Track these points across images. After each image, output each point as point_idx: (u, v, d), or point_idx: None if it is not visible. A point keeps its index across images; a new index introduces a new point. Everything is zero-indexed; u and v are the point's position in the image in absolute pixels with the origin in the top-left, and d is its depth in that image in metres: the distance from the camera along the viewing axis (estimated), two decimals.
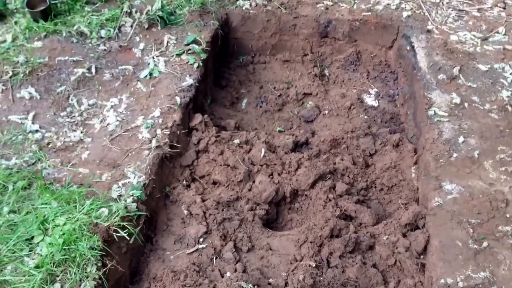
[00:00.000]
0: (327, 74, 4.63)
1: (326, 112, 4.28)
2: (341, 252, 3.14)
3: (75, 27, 4.03)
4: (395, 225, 3.28)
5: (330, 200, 3.42)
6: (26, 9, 4.08)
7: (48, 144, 3.36)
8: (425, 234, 3.12)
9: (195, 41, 4.04)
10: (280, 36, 4.61)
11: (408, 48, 4.29)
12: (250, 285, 2.84)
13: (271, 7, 4.54)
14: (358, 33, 4.57)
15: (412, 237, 3.18)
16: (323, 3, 4.61)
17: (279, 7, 4.52)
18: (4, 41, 3.94)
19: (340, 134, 3.95)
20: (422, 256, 3.13)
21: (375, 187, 3.71)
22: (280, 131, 4.12)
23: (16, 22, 4.11)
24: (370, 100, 4.41)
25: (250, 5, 4.55)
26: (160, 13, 4.12)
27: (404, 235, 3.24)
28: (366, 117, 4.23)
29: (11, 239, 2.68)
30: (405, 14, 4.48)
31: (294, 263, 3.10)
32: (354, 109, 4.26)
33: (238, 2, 4.58)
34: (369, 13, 4.51)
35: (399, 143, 3.89)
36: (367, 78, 4.59)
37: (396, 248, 3.18)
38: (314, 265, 3.05)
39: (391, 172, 3.72)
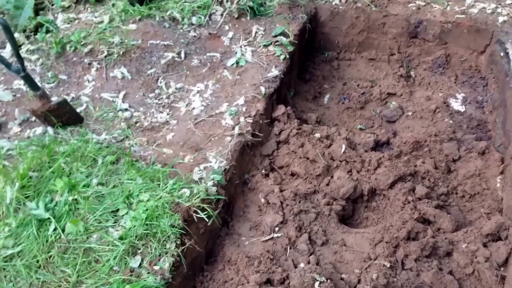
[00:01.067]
0: (413, 76, 4.51)
1: (410, 113, 4.17)
2: (417, 255, 3.05)
3: (168, 13, 4.13)
4: (475, 234, 3.15)
5: (409, 202, 3.33)
6: None
7: (136, 123, 3.45)
8: (508, 246, 2.98)
9: (283, 33, 4.04)
10: (367, 33, 4.54)
11: (501, 54, 4.10)
12: (323, 278, 2.81)
13: (361, 4, 4.47)
14: (449, 35, 4.42)
15: (493, 248, 3.05)
16: (415, 2, 4.49)
17: (369, 5, 4.45)
18: (101, 22, 4.10)
19: (423, 137, 3.85)
20: (502, 268, 2.99)
21: (457, 193, 3.58)
22: (361, 129, 4.06)
23: (113, 5, 4.26)
24: (456, 105, 4.26)
25: (340, 0, 4.51)
26: (251, 3, 4.16)
27: (485, 245, 3.10)
28: (451, 121, 4.09)
29: (98, 210, 2.77)
30: (501, 19, 4.30)
31: (368, 261, 3.04)
32: (439, 113, 4.13)
33: None
34: (463, 15, 4.36)
35: (485, 150, 3.74)
36: (454, 82, 4.43)
37: (475, 258, 3.05)
38: (388, 266, 2.97)
39: (475, 179, 3.58)
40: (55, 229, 2.68)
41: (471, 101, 4.29)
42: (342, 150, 3.55)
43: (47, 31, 4.00)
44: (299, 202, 3.28)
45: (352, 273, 2.99)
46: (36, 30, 4.02)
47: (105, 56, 3.84)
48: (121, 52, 3.85)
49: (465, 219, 3.42)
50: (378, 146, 3.83)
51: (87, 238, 2.68)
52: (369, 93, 4.35)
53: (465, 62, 4.50)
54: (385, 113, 4.20)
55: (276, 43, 3.99)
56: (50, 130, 3.30)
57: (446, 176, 3.65)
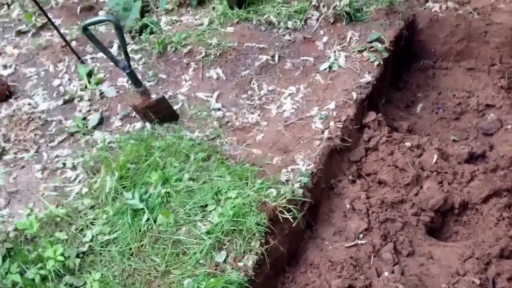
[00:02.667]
0: None
1: (509, 126, 3.94)
2: (510, 274, 2.88)
3: (265, 16, 4.19)
4: None
5: (503, 219, 3.16)
6: None
7: (227, 122, 3.53)
8: None
9: (378, 39, 3.96)
10: (467, 42, 4.34)
11: None
12: None
13: (462, 11, 4.29)
14: None
15: None
16: None
17: (471, 12, 4.26)
18: (201, 24, 4.24)
19: None
20: None
21: None
22: (454, 140, 3.89)
23: (213, 8, 4.39)
24: None
25: (440, 7, 4.35)
26: (347, 9, 4.11)
27: None
28: None
29: (188, 204, 2.87)
30: None
31: (456, 276, 2.93)
32: None
33: (427, 4, 4.40)
34: None
35: None
36: None
37: None
38: (478, 283, 2.85)
39: None
40: (147, 220, 2.81)
41: None
42: (434, 160, 3.43)
43: (151, 32, 4.19)
44: (386, 210, 3.21)
45: (438, 287, 2.88)
46: (141, 30, 4.24)
47: (203, 57, 3.96)
48: (217, 54, 3.95)
49: None
50: (472, 158, 3.65)
51: (177, 230, 2.78)
52: (466, 104, 4.16)
53: None
54: (482, 125, 4.00)
55: (371, 49, 3.92)
56: (148, 125, 3.46)
57: None
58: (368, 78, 3.73)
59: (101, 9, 4.69)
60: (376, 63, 3.83)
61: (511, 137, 3.83)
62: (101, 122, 3.58)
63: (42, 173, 3.26)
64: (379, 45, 3.92)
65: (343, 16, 4.13)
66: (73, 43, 4.19)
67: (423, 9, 4.37)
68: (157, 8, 4.53)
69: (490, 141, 3.89)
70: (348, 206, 3.25)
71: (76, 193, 3.05)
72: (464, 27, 4.28)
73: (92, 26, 4.07)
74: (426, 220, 3.22)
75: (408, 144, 3.55)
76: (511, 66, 4.30)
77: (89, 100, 3.74)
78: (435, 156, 3.44)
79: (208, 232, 2.73)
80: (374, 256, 3.00)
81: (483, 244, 3.02)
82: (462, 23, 4.26)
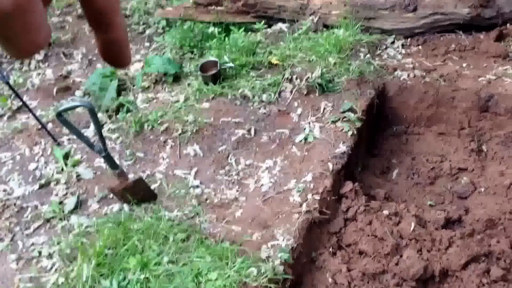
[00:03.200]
0: (485, 150, 4.37)
1: (482, 189, 4.01)
2: None
3: (240, 91, 4.28)
4: None
5: (483, 285, 3.15)
6: (199, 73, 4.44)
7: (206, 199, 3.53)
8: None
9: (351, 109, 4.07)
10: (436, 108, 4.47)
11: None
12: None
13: (429, 78, 4.44)
14: None
15: None
16: (485, 77, 4.41)
17: (438, 79, 4.41)
18: (178, 101, 4.30)
19: (497, 214, 3.66)
20: None
21: None
22: (431, 205, 3.94)
23: (189, 84, 4.48)
24: None
25: (408, 75, 4.50)
26: (319, 80, 4.22)
27: None
28: None
29: None
30: None
31: None
32: None
33: (396, 73, 4.55)
34: None
35: None
36: None
37: None
38: None
39: None
40: None
41: None
42: (412, 228, 3.45)
43: (128, 111, 4.24)
44: (367, 283, 3.20)
45: None
46: (118, 110, 4.29)
47: (180, 134, 4.00)
48: (194, 130, 4.00)
49: None
50: (449, 223, 3.68)
51: None
52: (439, 168, 4.24)
53: None
54: (456, 189, 4.07)
55: (344, 119, 4.02)
56: (126, 207, 3.45)
57: None
58: (343, 148, 3.80)
59: (78, 89, 4.75)
60: (350, 133, 3.91)
61: (484, 200, 3.89)
62: (78, 206, 3.55)
63: (17, 263, 3.19)
64: (352, 114, 4.02)
65: (316, 87, 4.24)
66: (49, 125, 4.21)
67: (392, 78, 4.52)
68: (134, 86, 4.61)
69: (465, 204, 3.94)
70: (330, 280, 3.23)
71: (53, 284, 2.97)
72: (432, 93, 4.42)
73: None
74: None
75: (386, 212, 3.58)
76: (479, 130, 4.43)
77: (65, 183, 3.72)
78: (413, 224, 3.46)
79: None
80: None
81: None
82: (430, 89, 4.41)
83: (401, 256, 3.34)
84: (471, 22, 4.83)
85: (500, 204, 3.82)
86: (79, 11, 5.88)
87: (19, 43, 0.53)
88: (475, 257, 3.30)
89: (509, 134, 4.35)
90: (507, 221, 3.62)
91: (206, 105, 4.24)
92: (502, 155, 4.27)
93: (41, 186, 3.74)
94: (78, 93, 4.68)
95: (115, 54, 0.67)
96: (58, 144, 4.02)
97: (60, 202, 3.57)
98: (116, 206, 3.50)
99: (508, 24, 4.84)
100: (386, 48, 4.90)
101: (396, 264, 3.30)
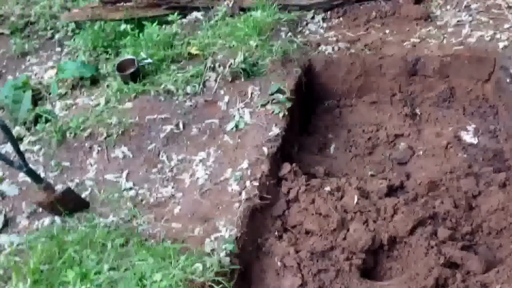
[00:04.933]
0: (419, 113, 4.54)
1: (421, 152, 4.16)
2: None
3: (162, 86, 4.24)
4: (508, 273, 3.05)
5: (432, 247, 3.26)
6: (117, 73, 4.39)
7: (141, 200, 3.51)
8: None
9: (279, 91, 4.11)
10: (365, 77, 4.60)
11: (508, 80, 4.13)
12: None
13: (354, 49, 4.56)
14: (450, 68, 4.45)
15: None
16: (409, 40, 4.57)
17: (363, 49, 4.53)
18: (98, 104, 4.23)
19: (438, 176, 3.81)
20: None
21: (482, 231, 3.49)
22: (372, 176, 4.05)
23: (108, 86, 4.41)
24: (468, 138, 4.25)
25: (333, 49, 4.59)
26: (243, 65, 4.25)
27: None
28: (465, 156, 4.06)
29: None
30: (501, 44, 4.34)
31: None
32: (451, 148, 4.11)
33: (320, 48, 4.63)
34: (461, 47, 4.41)
35: (506, 182, 3.67)
36: (463, 115, 4.44)
37: None
38: None
39: (499, 214, 3.48)
40: None
41: (483, 132, 4.27)
42: (355, 201, 3.53)
43: (47, 121, 4.13)
44: (317, 261, 3.24)
45: None
46: (36, 121, 4.16)
47: (105, 138, 3.93)
48: (120, 132, 3.94)
49: (495, 257, 3.33)
50: (392, 191, 3.80)
51: None
52: (376, 137, 4.36)
53: (471, 93, 4.52)
54: (395, 156, 4.20)
55: (273, 101, 4.06)
56: (57, 219, 3.39)
57: (468, 214, 3.56)
58: (276, 130, 3.85)
59: None
60: (281, 114, 3.96)
61: (424, 163, 4.04)
62: (6, 225, 3.44)
63: None
64: (281, 96, 4.07)
65: (240, 73, 4.27)
66: None
67: (317, 53, 4.60)
68: (50, 94, 4.50)
69: (405, 170, 4.07)
70: (279, 264, 3.26)
71: None
72: (359, 64, 4.53)
73: None
74: (359, 263, 3.26)
75: (327, 188, 3.64)
76: (410, 94, 4.59)
77: None
78: (356, 197, 3.55)
79: None
80: None
81: (417, 277, 3.09)
82: (357, 60, 4.52)
83: (347, 230, 3.41)
84: None
85: (440, 165, 3.97)
86: None
87: None
88: (421, 221, 3.42)
89: (440, 95, 4.53)
90: (448, 181, 3.76)
91: (129, 105, 4.19)
92: (436, 116, 4.45)
93: None
94: None
95: None
96: None
97: None
98: (47, 220, 3.40)
99: None
100: (307, 24, 4.96)
101: (344, 238, 3.37)
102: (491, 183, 3.71)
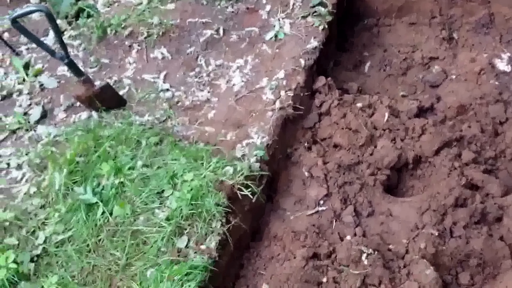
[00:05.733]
0: (456, 38, 4.16)
1: (454, 77, 3.86)
2: (465, 222, 2.84)
3: None
4: None
5: (455, 169, 3.10)
6: None
7: (177, 102, 3.32)
8: None
9: (321, 3, 3.77)
10: None
11: None
12: (370, 249, 2.66)
13: None
14: None
15: None
16: None
17: None
18: (140, 3, 3.93)
19: (468, 100, 3.55)
20: None
21: (505, 156, 3.31)
22: (403, 96, 3.78)
23: None
24: (502, 65, 3.91)
25: None
26: None
27: None
28: (497, 83, 3.75)
29: (144, 192, 2.68)
30: None
31: (415, 230, 2.86)
32: (484, 75, 3.79)
33: None
34: None
35: None
36: (499, 42, 4.06)
37: None
38: (436, 234, 2.79)
39: None
40: (103, 213, 2.62)
41: None
42: (385, 119, 3.32)
43: (88, 16, 3.86)
44: (343, 174, 3.10)
45: (399, 243, 2.81)
46: (77, 15, 3.90)
47: (145, 38, 3.69)
48: (160, 33, 3.68)
49: None
50: (421, 112, 3.56)
51: (135, 220, 2.61)
52: (411, 59, 4.05)
53: (510, 21, 4.11)
54: (428, 78, 3.90)
55: (314, 14, 3.73)
56: (94, 114, 3.22)
57: (493, 140, 3.37)
58: (314, 43, 3.56)
59: None
60: (321, 27, 3.65)
61: (456, 87, 3.75)
62: (44, 116, 3.29)
63: None
64: (322, 9, 3.74)
65: None
66: (6, 35, 3.83)
67: None
68: None
69: (437, 93, 3.81)
70: (306, 174, 3.13)
71: (24, 194, 2.79)
72: None
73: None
74: (383, 179, 3.12)
75: (359, 104, 3.42)
76: (450, 18, 4.20)
77: (28, 93, 3.42)
78: (386, 114, 3.33)
79: (167, 219, 2.58)
80: (335, 221, 2.90)
81: (438, 195, 2.95)
82: None
83: (375, 146, 3.24)
84: None
85: (471, 90, 3.69)
86: None
87: None
88: (447, 143, 3.23)
89: (480, 20, 4.13)
90: (477, 106, 3.52)
91: (171, 6, 3.89)
92: (473, 41, 4.08)
93: (3, 98, 3.42)
94: (33, 0, 4.23)
95: None
96: (17, 54, 3.68)
97: (25, 113, 3.28)
98: (84, 114, 3.25)
99: None
100: None
101: (371, 154, 3.20)
102: None
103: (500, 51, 4.01)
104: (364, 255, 2.65)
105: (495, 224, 2.90)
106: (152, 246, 2.48)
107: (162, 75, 3.49)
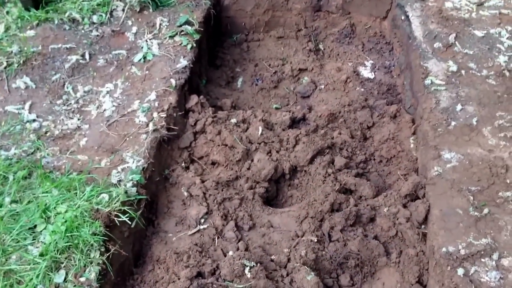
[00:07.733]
0: (322, 49, 4.58)
1: (322, 86, 4.23)
2: (342, 225, 3.13)
3: (67, 14, 3.98)
4: (395, 197, 3.27)
5: (329, 175, 3.41)
6: None
7: (46, 132, 3.33)
8: (426, 204, 3.09)
9: (187, 22, 3.99)
10: (273, 12, 4.56)
11: (402, 17, 4.23)
12: (252, 262, 2.83)
13: None
14: (351, 5, 4.52)
15: (413, 207, 3.17)
16: None
17: None
18: None
19: (337, 108, 3.92)
20: (423, 226, 3.13)
21: (374, 159, 3.69)
22: (277, 108, 4.09)
23: (7, 12, 4.05)
24: (366, 72, 4.37)
25: None
26: None
27: (405, 206, 3.23)
28: (362, 89, 4.19)
29: (14, 229, 2.67)
30: None
31: (295, 239, 3.10)
32: (350, 82, 4.22)
33: None
34: None
35: (397, 114, 3.86)
36: (362, 50, 4.54)
37: (397, 219, 3.17)
38: (315, 240, 3.04)
39: (390, 143, 3.70)
40: None
41: (379, 67, 4.41)
42: (259, 132, 3.56)
43: None
44: (222, 190, 3.29)
45: (281, 253, 3.03)
46: None
47: (5, 67, 3.66)
48: (21, 61, 3.68)
49: (385, 183, 3.55)
50: (294, 123, 3.87)
51: (6, 260, 2.58)
52: (281, 71, 4.38)
53: (369, 30, 4.61)
54: (299, 89, 4.25)
55: (182, 33, 3.94)
56: None
57: (363, 144, 3.75)
58: (184, 62, 3.75)
59: None
60: (189, 46, 3.86)
61: (325, 96, 4.12)
62: None
63: None
64: (189, 27, 3.95)
65: (149, 3, 4.09)
66: None
67: None
68: None
69: (308, 103, 4.15)
70: (185, 193, 3.28)
71: None
72: None
73: None
74: (262, 192, 3.35)
75: (233, 120, 3.65)
76: (315, 30, 4.61)
77: None
78: (260, 128, 3.58)
79: (41, 254, 2.58)
80: (218, 238, 3.06)
81: (315, 202, 3.22)
82: None
83: (252, 160, 3.46)
84: None
85: (339, 98, 4.07)
86: None
87: None
88: (320, 151, 3.53)
89: (342, 31, 4.58)
90: (346, 113, 3.89)
91: (31, 33, 3.89)
92: (338, 51, 4.51)
93: None
94: None
95: None
96: None
97: None
98: None
99: None
100: None
101: (248, 168, 3.42)
102: (384, 114, 3.89)
103: (363, 59, 4.47)
104: (247, 269, 2.79)
105: (369, 224, 3.21)
106: (27, 285, 2.48)
107: (27, 105, 3.48)
